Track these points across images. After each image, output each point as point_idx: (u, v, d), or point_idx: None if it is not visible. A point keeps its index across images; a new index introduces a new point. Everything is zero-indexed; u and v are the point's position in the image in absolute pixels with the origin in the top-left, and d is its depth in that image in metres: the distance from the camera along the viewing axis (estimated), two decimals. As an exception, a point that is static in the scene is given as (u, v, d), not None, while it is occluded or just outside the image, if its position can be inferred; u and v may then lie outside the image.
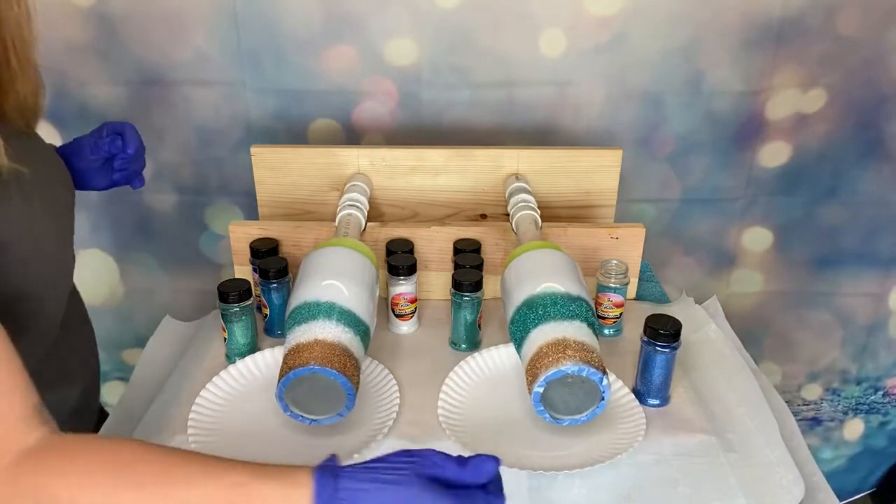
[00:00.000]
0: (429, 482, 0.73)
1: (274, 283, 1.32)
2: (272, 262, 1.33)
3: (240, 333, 1.27)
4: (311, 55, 1.79)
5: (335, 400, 1.06)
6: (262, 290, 1.34)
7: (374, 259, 1.24)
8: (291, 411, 1.07)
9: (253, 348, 1.30)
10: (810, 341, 2.25)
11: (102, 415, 1.28)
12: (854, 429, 2.40)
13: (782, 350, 2.26)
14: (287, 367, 1.05)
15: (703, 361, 1.29)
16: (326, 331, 1.08)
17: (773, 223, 2.08)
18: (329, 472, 0.74)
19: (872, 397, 2.33)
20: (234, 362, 1.25)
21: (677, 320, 1.14)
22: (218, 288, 1.24)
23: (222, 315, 1.26)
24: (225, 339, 1.29)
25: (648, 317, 1.15)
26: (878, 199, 2.04)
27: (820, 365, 2.29)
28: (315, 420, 1.08)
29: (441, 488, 0.73)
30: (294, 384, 1.05)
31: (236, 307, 1.25)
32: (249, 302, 1.26)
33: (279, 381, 1.04)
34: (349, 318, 1.11)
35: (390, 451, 1.05)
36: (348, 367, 1.06)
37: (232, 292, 1.24)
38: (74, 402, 1.15)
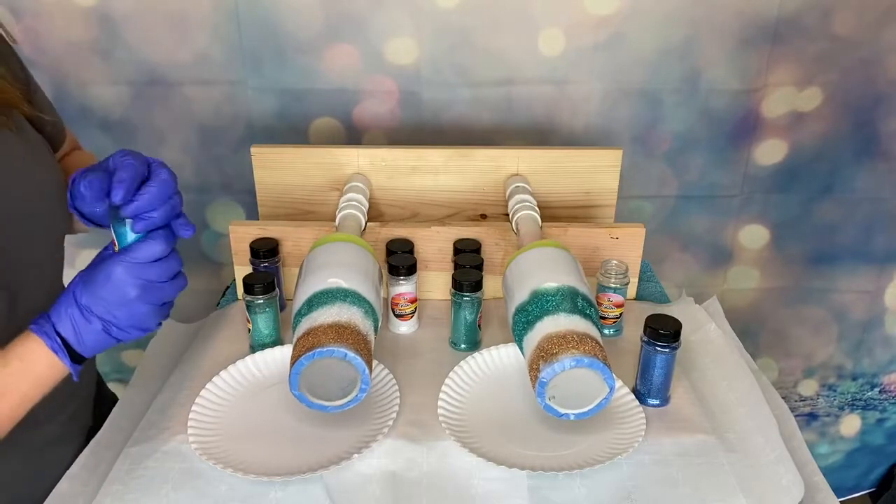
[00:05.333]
0: None
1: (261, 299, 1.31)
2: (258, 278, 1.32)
3: (263, 325, 1.30)
4: (312, 54, 1.80)
5: (347, 387, 1.05)
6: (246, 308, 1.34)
7: (373, 252, 1.24)
8: (309, 400, 1.05)
9: (276, 339, 1.32)
10: (806, 337, 2.26)
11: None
12: (851, 425, 2.41)
13: (779, 346, 2.28)
14: (299, 351, 1.03)
15: (703, 361, 1.30)
16: (335, 313, 1.07)
17: (770, 220, 2.09)
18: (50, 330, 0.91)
19: (869, 393, 2.35)
20: (256, 351, 1.27)
21: (677, 320, 1.14)
22: (243, 280, 1.27)
23: (247, 306, 1.29)
24: (249, 330, 1.31)
25: (648, 317, 1.15)
26: (874, 197, 2.05)
27: (816, 361, 2.31)
28: (331, 407, 1.06)
29: None
30: (306, 371, 1.03)
31: (261, 299, 1.27)
32: (274, 293, 1.28)
33: (291, 367, 1.02)
34: (357, 301, 1.10)
35: (390, 451, 1.07)
36: (361, 347, 1.04)
37: (257, 284, 1.26)
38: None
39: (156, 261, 0.92)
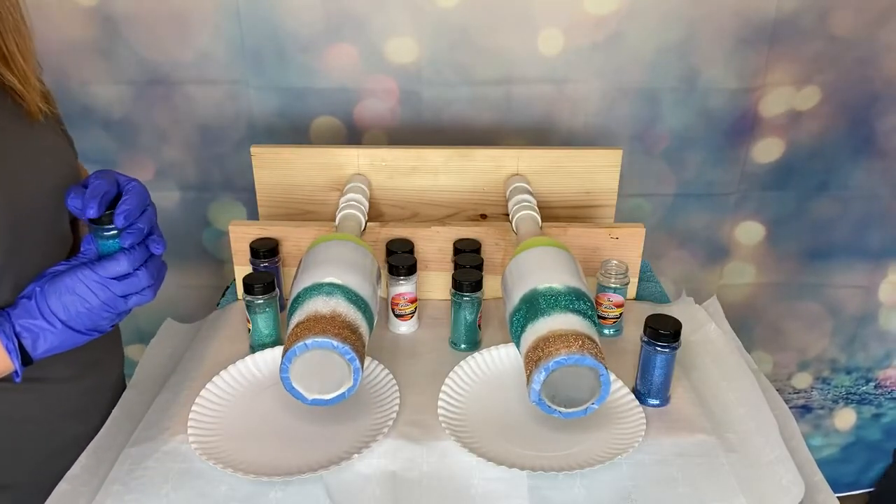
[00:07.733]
0: None
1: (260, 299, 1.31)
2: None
3: (263, 325, 1.30)
4: (312, 54, 1.80)
5: (341, 381, 1.05)
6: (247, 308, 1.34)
7: (367, 246, 1.24)
8: (321, 399, 1.05)
9: (276, 339, 1.32)
10: (801, 331, 2.28)
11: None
12: (845, 418, 2.43)
13: (773, 340, 2.30)
14: (290, 343, 1.02)
15: (703, 361, 1.30)
16: (327, 305, 1.06)
17: (766, 217, 2.10)
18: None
19: (864, 388, 2.36)
20: (256, 352, 1.27)
21: (677, 320, 1.14)
22: (243, 280, 1.27)
23: (247, 306, 1.29)
24: (249, 330, 1.31)
25: (648, 317, 1.15)
26: (869, 194, 2.07)
27: (810, 354, 2.32)
28: (323, 401, 1.06)
29: None
30: (300, 363, 1.03)
31: (261, 299, 1.27)
32: (274, 293, 1.29)
33: (283, 357, 1.02)
34: (351, 296, 1.09)
35: (390, 451, 1.08)
36: (354, 341, 1.04)
37: (257, 284, 1.26)
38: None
39: (123, 276, 1.00)
